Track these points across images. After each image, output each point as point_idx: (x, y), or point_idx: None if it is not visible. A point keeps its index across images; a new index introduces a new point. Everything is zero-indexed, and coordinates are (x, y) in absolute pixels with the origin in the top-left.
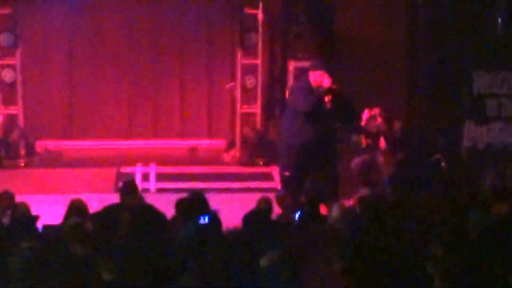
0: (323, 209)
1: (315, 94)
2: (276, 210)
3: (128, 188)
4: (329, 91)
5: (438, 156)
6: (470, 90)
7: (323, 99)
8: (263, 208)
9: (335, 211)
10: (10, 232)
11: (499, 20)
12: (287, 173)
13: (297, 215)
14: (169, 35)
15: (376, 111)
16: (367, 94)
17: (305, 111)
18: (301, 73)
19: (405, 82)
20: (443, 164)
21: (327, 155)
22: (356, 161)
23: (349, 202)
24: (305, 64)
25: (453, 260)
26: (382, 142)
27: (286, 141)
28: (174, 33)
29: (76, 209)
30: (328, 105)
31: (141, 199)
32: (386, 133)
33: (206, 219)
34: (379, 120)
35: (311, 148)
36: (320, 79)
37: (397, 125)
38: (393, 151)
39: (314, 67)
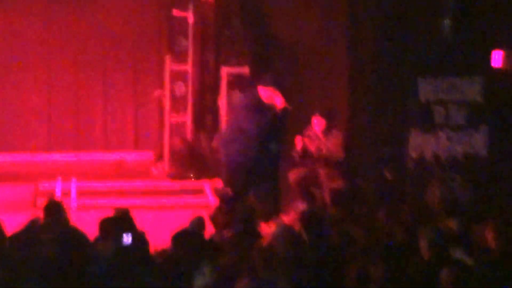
0: (264, 227)
1: (267, 114)
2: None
3: (49, 206)
4: (283, 112)
5: (382, 168)
6: (416, 97)
7: (276, 120)
8: (195, 227)
9: (274, 229)
10: None
11: (446, 22)
12: (228, 191)
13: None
14: (91, 40)
15: (309, 132)
16: (305, 102)
17: (254, 132)
18: (243, 85)
19: (347, 90)
20: (388, 176)
21: (270, 171)
22: (294, 174)
23: (287, 218)
24: (238, 70)
25: (397, 279)
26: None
27: (230, 158)
28: (97, 37)
29: None
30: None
31: (66, 219)
32: (325, 152)
33: (130, 238)
34: (313, 142)
35: (255, 165)
36: (272, 96)
37: (336, 136)
38: (334, 164)
39: (265, 83)
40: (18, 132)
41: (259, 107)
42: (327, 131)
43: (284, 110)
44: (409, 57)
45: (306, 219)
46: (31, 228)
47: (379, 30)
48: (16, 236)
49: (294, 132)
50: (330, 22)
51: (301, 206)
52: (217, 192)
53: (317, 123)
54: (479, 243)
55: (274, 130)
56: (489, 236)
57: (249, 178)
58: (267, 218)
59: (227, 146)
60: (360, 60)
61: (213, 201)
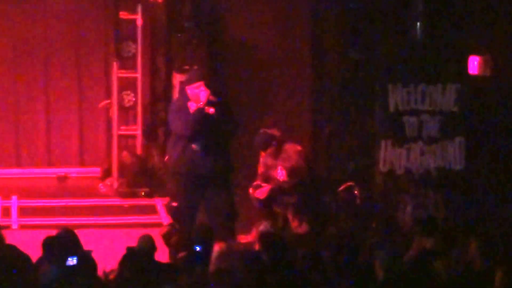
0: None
1: (195, 112)
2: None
3: None
4: (210, 104)
5: (349, 183)
6: (385, 106)
7: (206, 116)
8: (145, 247)
9: (216, 251)
10: None
11: (418, 25)
12: (174, 204)
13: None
14: (32, 45)
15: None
16: (264, 112)
17: (186, 134)
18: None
19: (310, 99)
20: (355, 192)
21: (220, 183)
22: (256, 191)
23: (246, 238)
24: None
25: None
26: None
27: (171, 168)
28: (37, 42)
29: None
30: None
31: (2, 240)
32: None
33: (75, 260)
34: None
35: (200, 174)
36: (197, 92)
37: (292, 149)
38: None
39: (189, 81)
40: None
41: (185, 108)
42: (278, 147)
43: (211, 103)
44: (378, 63)
45: (267, 239)
46: None
47: (344, 33)
48: None
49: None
50: (292, 27)
51: (263, 225)
52: (167, 208)
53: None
54: (460, 258)
55: (200, 128)
56: (472, 251)
57: (196, 190)
58: (222, 238)
59: (167, 154)
60: (324, 66)
61: (166, 220)
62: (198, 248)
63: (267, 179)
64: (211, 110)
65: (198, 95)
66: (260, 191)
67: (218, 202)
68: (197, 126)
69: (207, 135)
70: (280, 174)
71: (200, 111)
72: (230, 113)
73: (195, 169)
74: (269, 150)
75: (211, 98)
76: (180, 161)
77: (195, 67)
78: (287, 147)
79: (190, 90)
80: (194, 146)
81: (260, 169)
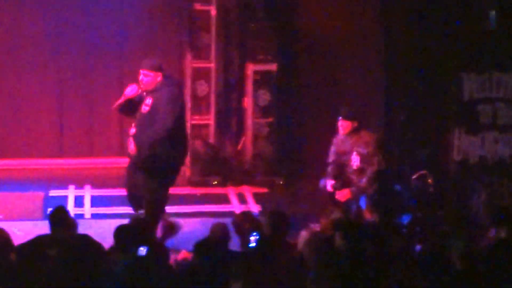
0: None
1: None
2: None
3: (57, 215)
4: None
5: (422, 171)
6: (459, 95)
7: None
8: (217, 236)
9: (304, 237)
10: None
11: (491, 13)
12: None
13: (252, 241)
14: (105, 37)
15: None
16: (336, 101)
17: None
18: (271, 83)
19: (382, 87)
20: (429, 181)
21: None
22: (326, 180)
23: (317, 227)
24: (265, 67)
25: None
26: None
27: None
28: (111, 34)
29: None
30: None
31: (74, 228)
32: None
33: (145, 250)
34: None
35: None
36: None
37: (368, 136)
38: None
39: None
40: (27, 137)
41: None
42: (354, 133)
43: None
44: (452, 50)
45: (342, 226)
46: (38, 239)
47: (416, 21)
48: (23, 248)
49: (322, 133)
50: (363, 15)
51: (335, 212)
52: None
53: (342, 126)
54: None
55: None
56: None
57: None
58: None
59: None
60: (396, 54)
61: (238, 209)
62: (254, 236)
63: (339, 167)
64: (146, 101)
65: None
66: (341, 194)
67: (142, 190)
68: (118, 110)
69: (139, 123)
70: (355, 159)
71: (124, 99)
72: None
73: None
74: (345, 136)
75: (136, 92)
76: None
77: (152, 56)
78: (363, 134)
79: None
80: (131, 129)
81: (331, 157)
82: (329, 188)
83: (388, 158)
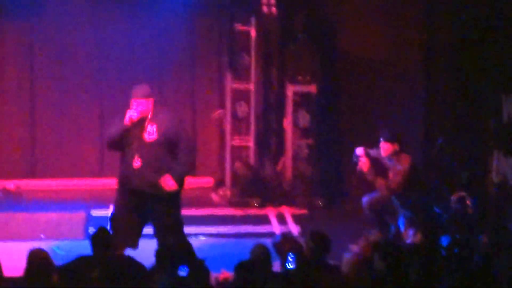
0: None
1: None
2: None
3: (99, 236)
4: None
5: (461, 193)
6: (498, 117)
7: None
8: (258, 256)
9: (348, 260)
10: None
11: None
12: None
13: (290, 262)
14: (146, 56)
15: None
16: (376, 123)
17: (105, 144)
18: (311, 105)
19: (422, 109)
20: (467, 202)
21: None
22: (366, 200)
23: (355, 248)
24: (305, 88)
25: None
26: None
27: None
28: (152, 54)
29: (38, 260)
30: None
31: (116, 249)
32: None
33: (186, 270)
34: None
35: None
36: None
37: (405, 160)
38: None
39: (131, 94)
40: (69, 157)
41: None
42: (394, 156)
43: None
44: (492, 72)
45: (381, 247)
46: (80, 260)
47: (458, 44)
48: (65, 269)
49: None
50: (404, 37)
51: (375, 234)
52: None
53: (383, 148)
54: None
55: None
56: None
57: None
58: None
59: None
60: (437, 76)
61: (278, 229)
62: (291, 257)
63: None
64: (148, 129)
65: (127, 113)
66: (363, 164)
67: (164, 219)
68: (115, 140)
69: (145, 153)
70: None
71: (121, 128)
72: (179, 138)
73: (130, 184)
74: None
75: (136, 118)
76: (121, 174)
77: (143, 84)
78: (403, 158)
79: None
80: (134, 162)
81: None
82: (362, 165)
83: (426, 180)
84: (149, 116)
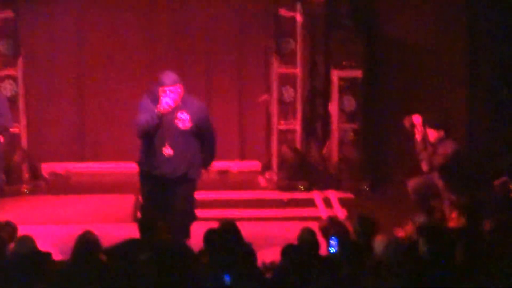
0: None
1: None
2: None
3: (147, 220)
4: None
5: (504, 178)
6: None
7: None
8: (305, 240)
9: (382, 242)
10: (12, 272)
11: None
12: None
13: (333, 246)
14: (194, 42)
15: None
16: (420, 108)
17: (137, 135)
18: (356, 90)
19: (466, 95)
20: (510, 187)
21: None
22: (412, 184)
23: (401, 232)
24: (350, 73)
25: None
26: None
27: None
28: (199, 39)
29: (87, 243)
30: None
31: (165, 232)
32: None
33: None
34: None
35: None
36: (161, 97)
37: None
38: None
39: (159, 83)
40: (118, 140)
41: (149, 107)
42: (440, 142)
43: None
44: None
45: (427, 232)
46: (129, 243)
47: (502, 27)
48: (113, 250)
49: (407, 138)
50: (448, 24)
51: (420, 218)
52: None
53: (429, 134)
54: None
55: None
56: None
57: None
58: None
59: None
60: (481, 62)
61: (325, 213)
62: (334, 241)
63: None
64: (181, 116)
65: (161, 100)
66: (418, 132)
67: (185, 201)
68: (151, 128)
69: (177, 141)
70: None
71: (157, 116)
72: (208, 127)
73: (158, 171)
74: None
75: (171, 106)
76: (148, 161)
77: (169, 71)
78: (448, 144)
79: (160, 92)
80: (165, 151)
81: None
82: (418, 133)
83: (471, 164)
84: (180, 102)
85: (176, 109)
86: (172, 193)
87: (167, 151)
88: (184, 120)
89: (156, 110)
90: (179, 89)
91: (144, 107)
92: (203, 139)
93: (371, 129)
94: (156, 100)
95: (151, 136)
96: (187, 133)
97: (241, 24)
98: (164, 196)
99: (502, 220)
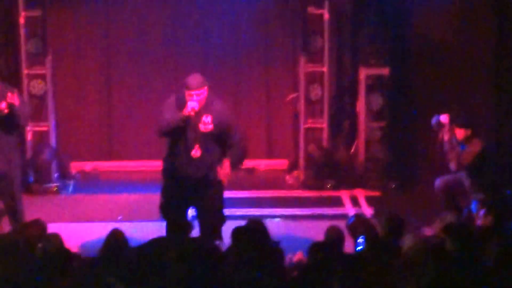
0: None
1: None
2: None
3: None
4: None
5: None
6: None
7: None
8: (332, 238)
9: (409, 241)
10: (41, 270)
11: None
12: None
13: (360, 244)
14: (221, 40)
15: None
16: (447, 106)
17: (157, 135)
18: (384, 87)
19: (493, 94)
20: None
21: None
22: (440, 182)
23: (429, 231)
24: (378, 71)
25: None
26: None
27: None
28: (226, 38)
29: (115, 241)
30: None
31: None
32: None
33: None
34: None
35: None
36: (187, 100)
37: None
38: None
39: (186, 86)
40: (146, 139)
41: (173, 108)
42: (467, 141)
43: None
44: None
45: (454, 231)
46: (157, 241)
47: None
48: (141, 248)
49: (435, 137)
50: (476, 23)
51: (448, 217)
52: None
53: (457, 133)
54: None
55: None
56: None
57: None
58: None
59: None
60: (509, 60)
61: (352, 211)
62: (361, 239)
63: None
64: (205, 120)
65: (187, 104)
66: (446, 132)
67: (213, 201)
68: (174, 129)
69: (203, 143)
70: None
71: (182, 119)
72: (231, 129)
73: (184, 172)
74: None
75: (197, 109)
76: (173, 163)
77: (196, 74)
78: (475, 142)
79: (186, 95)
80: (193, 152)
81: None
82: (445, 133)
83: (498, 163)
84: (204, 105)
85: (201, 111)
86: (198, 195)
87: (195, 152)
88: (206, 123)
89: (181, 114)
90: (205, 92)
91: (168, 108)
92: (228, 141)
93: (399, 127)
94: (182, 102)
95: (177, 137)
96: (210, 135)
97: (268, 22)
98: (184, 197)
99: None
